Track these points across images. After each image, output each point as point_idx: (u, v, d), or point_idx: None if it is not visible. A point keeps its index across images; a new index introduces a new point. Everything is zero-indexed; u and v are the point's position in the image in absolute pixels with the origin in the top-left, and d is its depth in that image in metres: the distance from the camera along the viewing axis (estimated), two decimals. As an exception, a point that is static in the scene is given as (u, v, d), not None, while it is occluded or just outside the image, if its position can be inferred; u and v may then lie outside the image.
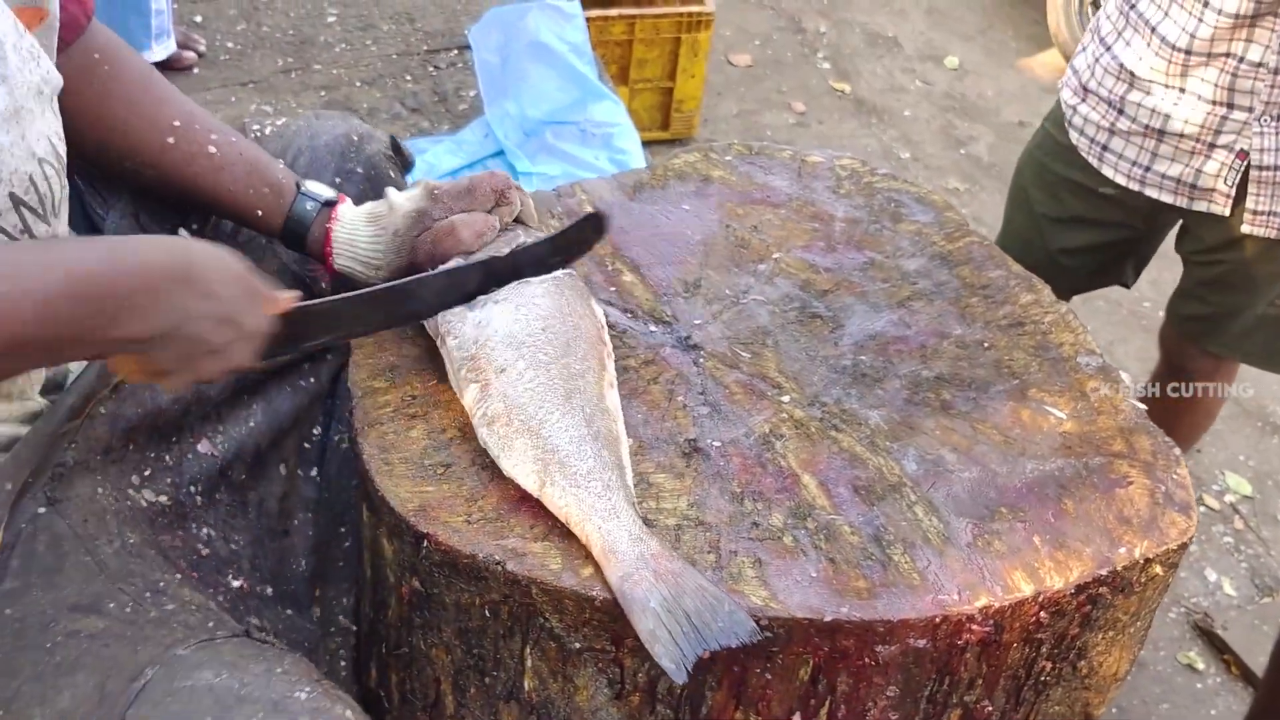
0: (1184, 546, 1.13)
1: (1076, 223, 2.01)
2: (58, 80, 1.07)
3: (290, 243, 1.29)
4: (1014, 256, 2.12)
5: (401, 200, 1.28)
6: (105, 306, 0.90)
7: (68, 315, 0.88)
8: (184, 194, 1.26)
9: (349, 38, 3.27)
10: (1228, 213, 1.81)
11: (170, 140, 1.22)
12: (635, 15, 3.39)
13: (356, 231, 1.27)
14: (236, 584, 1.21)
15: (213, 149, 1.23)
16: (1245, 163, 1.75)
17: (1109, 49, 1.85)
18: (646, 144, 3.20)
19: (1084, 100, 1.90)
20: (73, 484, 1.12)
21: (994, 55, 4.51)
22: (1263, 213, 1.77)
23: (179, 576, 1.12)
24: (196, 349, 0.97)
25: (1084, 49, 1.91)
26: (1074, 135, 1.92)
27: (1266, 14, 1.64)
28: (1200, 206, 1.83)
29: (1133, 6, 1.80)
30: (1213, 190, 1.80)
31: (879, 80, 4.28)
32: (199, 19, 3.63)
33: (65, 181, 1.09)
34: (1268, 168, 1.74)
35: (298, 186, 1.28)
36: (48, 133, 1.04)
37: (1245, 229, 1.79)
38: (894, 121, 4.06)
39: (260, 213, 1.26)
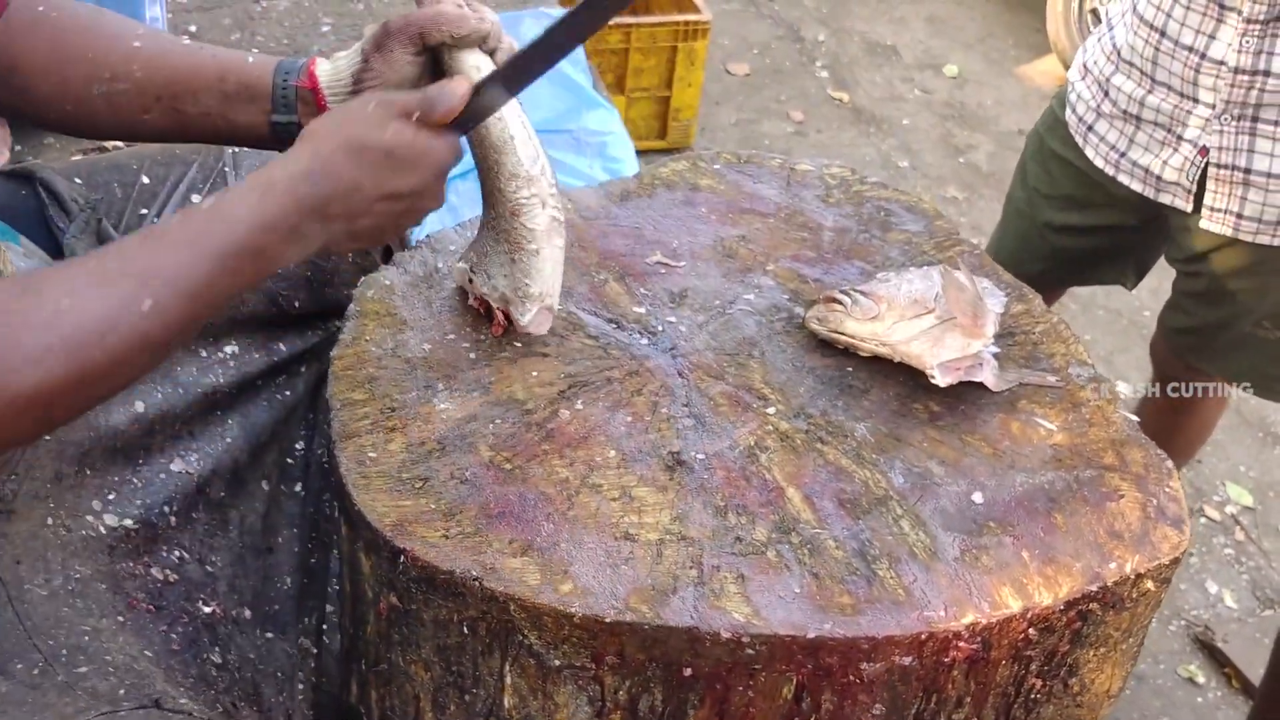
0: (1176, 561, 1.11)
1: (1066, 200, 2.01)
2: None
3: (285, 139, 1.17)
4: (1010, 231, 2.15)
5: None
6: (257, 262, 0.98)
7: (221, 290, 0.97)
8: (162, 95, 1.17)
9: (343, 46, 3.24)
10: (1189, 208, 1.81)
11: (137, 44, 1.17)
12: (632, 24, 3.38)
13: (338, 66, 1.18)
14: (208, 610, 1.18)
15: (185, 39, 1.22)
16: (1205, 160, 1.75)
17: (1111, 30, 1.86)
18: (643, 153, 3.19)
19: (1083, 79, 1.90)
20: (13, 519, 1.08)
21: (994, 64, 4.50)
22: (1219, 210, 1.77)
23: (121, 619, 1.09)
24: (379, 227, 1.04)
25: (1098, 31, 1.92)
26: (1068, 113, 1.93)
27: (1232, 8, 1.63)
28: (1165, 199, 1.83)
29: None
30: (1176, 184, 1.80)
31: (878, 89, 4.26)
32: (193, 28, 3.62)
33: None
34: (1225, 166, 1.73)
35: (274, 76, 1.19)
36: None
37: (1203, 224, 1.79)
38: (893, 130, 4.05)
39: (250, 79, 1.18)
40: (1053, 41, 4.28)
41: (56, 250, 1.26)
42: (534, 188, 1.17)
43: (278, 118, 1.17)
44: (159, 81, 1.16)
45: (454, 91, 1.05)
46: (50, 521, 1.11)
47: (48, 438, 1.13)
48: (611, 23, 3.33)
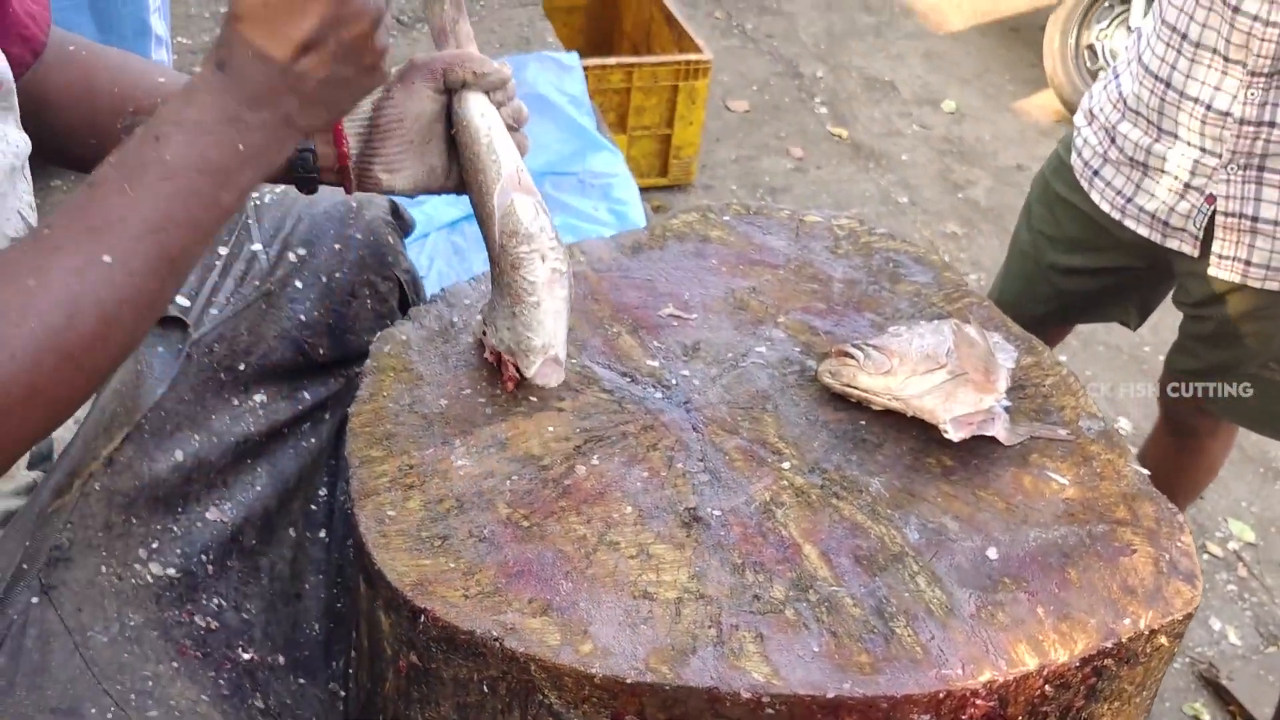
0: (1189, 616, 1.12)
1: (1071, 243, 2.03)
2: (24, 146, 1.05)
3: (297, 167, 1.20)
4: (1015, 273, 2.17)
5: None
6: (220, 175, 0.93)
7: (191, 217, 0.91)
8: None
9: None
10: (1196, 254, 1.83)
11: (162, 80, 1.20)
12: (633, 63, 3.41)
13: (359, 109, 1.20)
14: (247, 656, 1.20)
15: None
16: (1212, 207, 1.77)
17: (1118, 76, 1.88)
18: (645, 190, 3.21)
19: (1089, 124, 1.93)
20: (71, 567, 1.10)
21: (991, 99, 4.54)
22: (1227, 257, 1.79)
23: (175, 665, 1.10)
24: (342, 83, 0.98)
25: (1104, 78, 1.95)
26: (1074, 157, 1.95)
27: (1236, 60, 1.66)
28: (1172, 244, 1.85)
29: (1140, 37, 1.84)
30: (1183, 230, 1.82)
31: (876, 125, 4.30)
32: (197, 70, 3.64)
33: None
34: (1232, 214, 1.76)
35: None
36: (19, 207, 1.03)
37: (1212, 271, 1.81)
38: (892, 166, 4.07)
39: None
40: (1050, 77, 4.32)
41: None
42: (533, 244, 1.19)
43: None
44: None
45: None
46: (104, 570, 1.12)
47: (98, 486, 1.15)
48: (614, 62, 3.37)
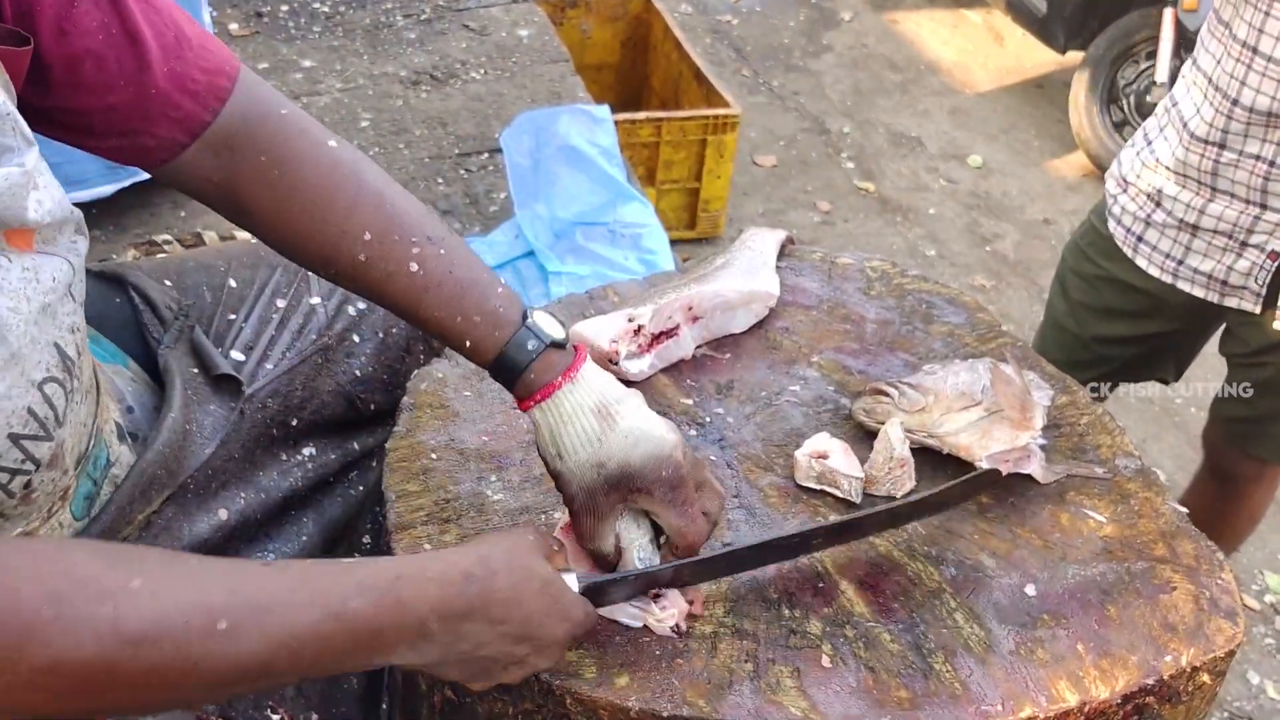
0: (1231, 654, 1.11)
1: (1111, 313, 2.02)
2: (62, 276, 0.94)
3: (502, 378, 1.07)
4: (1053, 341, 2.16)
5: (647, 432, 1.04)
6: (368, 643, 0.86)
7: (315, 654, 0.84)
8: (388, 308, 1.10)
9: (382, 141, 3.34)
10: (1258, 311, 1.82)
11: (363, 257, 1.05)
12: (663, 118, 3.45)
13: (574, 418, 1.04)
14: (275, 717, 1.18)
15: (414, 266, 1.05)
16: (1276, 263, 1.76)
17: (1150, 144, 1.88)
18: (673, 243, 3.23)
19: (1125, 191, 1.92)
20: None
21: (1018, 154, 4.55)
22: None
23: None
24: (490, 666, 0.94)
25: (1133, 143, 1.94)
26: (1112, 225, 1.94)
27: None
28: (1231, 303, 1.84)
29: (1175, 104, 1.83)
30: (1243, 288, 1.81)
31: (903, 179, 4.32)
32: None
33: (75, 380, 0.98)
34: None
35: (523, 317, 1.06)
36: (56, 338, 0.94)
37: (1278, 326, 1.80)
38: (919, 220, 4.09)
39: (468, 343, 1.06)
40: (1076, 133, 4.33)
41: (150, 359, 1.24)
42: None
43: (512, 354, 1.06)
44: (383, 298, 1.09)
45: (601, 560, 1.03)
46: None
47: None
48: (643, 116, 3.40)
